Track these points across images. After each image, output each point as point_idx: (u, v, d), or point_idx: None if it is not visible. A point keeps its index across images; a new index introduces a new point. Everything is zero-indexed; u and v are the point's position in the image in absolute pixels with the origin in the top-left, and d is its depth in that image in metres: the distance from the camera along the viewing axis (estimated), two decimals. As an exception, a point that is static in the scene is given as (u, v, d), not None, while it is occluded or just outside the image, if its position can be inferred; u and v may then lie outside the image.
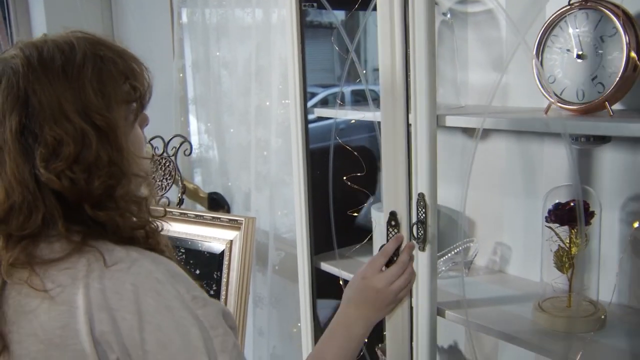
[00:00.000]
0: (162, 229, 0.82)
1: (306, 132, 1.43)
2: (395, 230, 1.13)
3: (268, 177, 1.94)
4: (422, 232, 1.12)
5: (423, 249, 1.14)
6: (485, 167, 1.38)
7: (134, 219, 0.78)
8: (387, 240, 1.15)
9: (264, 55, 1.93)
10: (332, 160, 1.43)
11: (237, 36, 2.07)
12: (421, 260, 1.15)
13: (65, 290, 0.72)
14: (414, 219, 1.14)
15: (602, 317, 1.11)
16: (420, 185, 1.12)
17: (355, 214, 1.57)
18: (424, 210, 1.12)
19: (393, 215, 1.14)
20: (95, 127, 0.73)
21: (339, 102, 1.41)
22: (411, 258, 1.09)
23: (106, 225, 0.75)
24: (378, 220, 1.45)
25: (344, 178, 1.48)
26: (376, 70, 1.52)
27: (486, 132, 1.38)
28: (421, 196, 1.11)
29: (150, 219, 0.80)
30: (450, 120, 1.12)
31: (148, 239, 0.80)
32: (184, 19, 2.33)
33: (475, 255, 1.40)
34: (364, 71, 1.56)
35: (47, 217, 0.73)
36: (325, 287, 1.52)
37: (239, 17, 2.06)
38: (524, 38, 1.08)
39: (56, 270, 0.73)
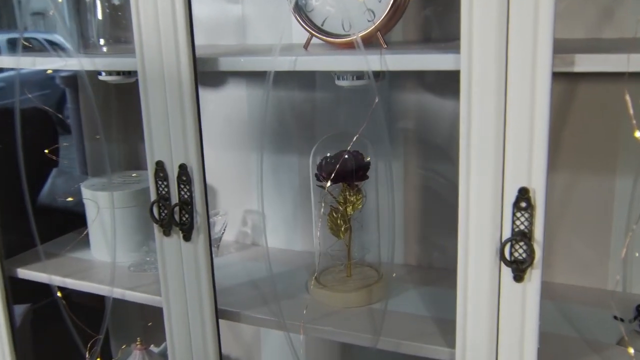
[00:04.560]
0: None
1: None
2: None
3: None
4: (188, 217, 0.87)
5: (189, 239, 0.88)
6: (224, 119, 1.17)
7: None
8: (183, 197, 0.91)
9: None
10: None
11: None
12: (189, 254, 0.91)
13: None
14: (176, 196, 0.87)
15: (387, 282, 1.01)
16: (177, 153, 0.85)
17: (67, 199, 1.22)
18: (188, 186, 0.84)
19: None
20: None
21: None
22: None
23: None
24: (95, 199, 1.15)
25: (46, 152, 1.09)
26: (36, 14, 1.20)
27: (222, 76, 1.17)
28: (183, 167, 0.84)
29: None
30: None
31: None
32: None
33: (224, 229, 1.19)
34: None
35: None
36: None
37: None
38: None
39: None
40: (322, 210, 0.99)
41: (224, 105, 1.18)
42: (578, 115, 0.93)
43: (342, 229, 0.99)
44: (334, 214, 0.99)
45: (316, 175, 0.99)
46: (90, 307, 1.27)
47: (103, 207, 1.14)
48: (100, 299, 1.32)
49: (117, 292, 1.05)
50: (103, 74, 1.07)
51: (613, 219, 0.94)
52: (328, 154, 0.98)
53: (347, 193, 0.98)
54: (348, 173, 0.96)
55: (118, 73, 1.07)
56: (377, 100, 0.80)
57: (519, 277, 0.74)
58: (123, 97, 1.28)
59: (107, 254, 1.15)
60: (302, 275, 1.07)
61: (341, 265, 1.03)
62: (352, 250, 1.01)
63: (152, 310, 1.26)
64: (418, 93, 1.03)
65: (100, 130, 1.03)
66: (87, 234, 1.19)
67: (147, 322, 1.34)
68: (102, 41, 1.08)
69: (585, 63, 0.69)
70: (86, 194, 1.16)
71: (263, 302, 0.98)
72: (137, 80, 0.90)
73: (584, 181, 0.95)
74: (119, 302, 1.07)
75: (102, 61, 1.02)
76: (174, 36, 0.84)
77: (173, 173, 0.88)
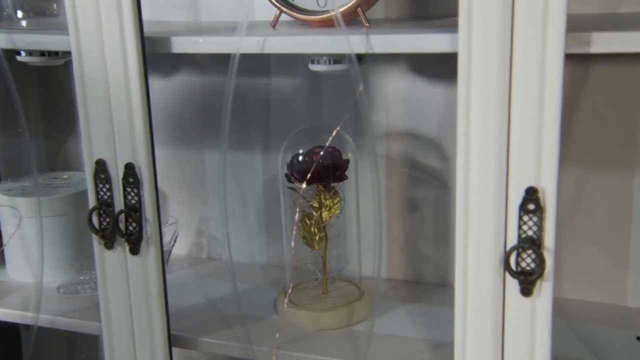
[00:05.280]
0: None
1: None
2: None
3: None
4: (136, 226, 0.87)
5: (137, 252, 0.88)
6: (173, 110, 1.19)
7: None
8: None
9: None
10: None
11: None
12: (136, 270, 0.90)
13: None
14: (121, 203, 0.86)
15: (369, 299, 1.03)
16: (122, 150, 0.85)
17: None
18: (136, 189, 0.85)
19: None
20: None
21: None
22: None
23: None
24: (15, 207, 1.14)
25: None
26: None
27: (172, 60, 1.17)
28: (130, 167, 0.85)
29: None
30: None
31: None
32: None
33: (175, 241, 1.19)
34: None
35: None
36: None
37: None
38: None
39: None
40: (297, 216, 0.99)
41: (173, 94, 1.18)
42: (591, 103, 0.95)
43: (317, 237, 1.01)
44: (307, 221, 1.00)
45: (286, 175, 0.99)
46: (4, 339, 1.25)
47: (26, 216, 1.12)
48: (17, 329, 1.29)
49: (44, 320, 1.04)
50: (23, 53, 1.05)
51: (632, 223, 0.97)
52: (300, 151, 0.99)
53: (322, 196, 0.99)
54: (324, 173, 0.97)
55: (42, 53, 1.05)
56: (361, 88, 0.81)
57: (527, 290, 0.75)
58: (47, 81, 1.27)
59: (29, 273, 1.14)
60: (269, 293, 1.08)
61: (316, 281, 1.04)
62: (329, 262, 1.02)
63: (84, 340, 1.25)
64: (403, 78, 1.05)
65: (24, 123, 1.01)
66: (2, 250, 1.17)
67: (80, 355, 1.32)
68: (20, 13, 1.07)
69: (603, 43, 0.71)
70: (2, 200, 1.14)
71: (224, 326, 0.98)
72: (66, 62, 0.88)
73: (597, 179, 0.97)
74: (42, 332, 1.05)
75: (24, 38, 1.00)
76: (117, 9, 0.83)
77: (117, 174, 0.87)
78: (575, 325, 0.95)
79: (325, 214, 1.00)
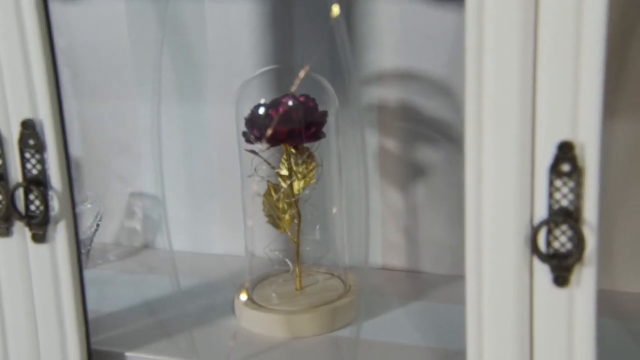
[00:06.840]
0: None
1: None
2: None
3: None
4: (39, 204, 0.88)
5: (42, 239, 0.88)
6: (89, 49, 1.21)
7: None
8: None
9: None
10: None
11: None
12: (42, 264, 0.90)
13: None
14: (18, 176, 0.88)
15: (357, 296, 1.05)
16: (17, 102, 0.87)
17: None
18: (38, 155, 0.86)
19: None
20: None
21: None
22: None
23: None
24: None
25: None
26: None
27: None
28: (29, 125, 0.86)
29: None
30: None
31: None
32: None
33: (97, 224, 1.22)
34: None
35: None
36: None
37: None
38: None
39: None
40: (257, 186, 1.01)
41: (87, 24, 1.19)
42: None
43: (286, 216, 1.02)
44: (273, 194, 1.02)
45: (244, 134, 1.01)
46: None
47: None
48: None
49: None
50: None
51: None
52: (262, 101, 1.00)
53: (293, 161, 1.01)
54: (294, 130, 0.98)
55: None
56: (338, 13, 0.81)
57: (561, 278, 0.76)
58: None
59: None
60: (225, 290, 1.10)
61: (286, 273, 1.06)
62: (303, 248, 1.04)
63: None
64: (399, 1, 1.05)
65: None
66: None
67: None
68: None
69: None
70: None
71: (163, 335, 0.99)
72: None
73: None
74: None
75: None
76: None
77: (11, 135, 0.87)
78: (631, 325, 0.97)
79: (297, 185, 1.01)
